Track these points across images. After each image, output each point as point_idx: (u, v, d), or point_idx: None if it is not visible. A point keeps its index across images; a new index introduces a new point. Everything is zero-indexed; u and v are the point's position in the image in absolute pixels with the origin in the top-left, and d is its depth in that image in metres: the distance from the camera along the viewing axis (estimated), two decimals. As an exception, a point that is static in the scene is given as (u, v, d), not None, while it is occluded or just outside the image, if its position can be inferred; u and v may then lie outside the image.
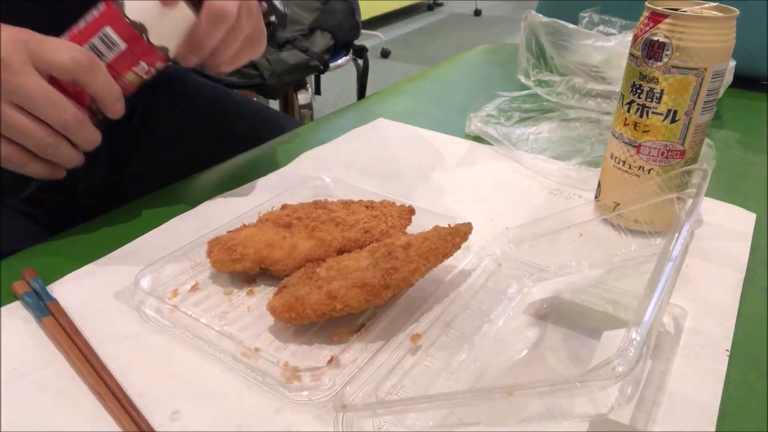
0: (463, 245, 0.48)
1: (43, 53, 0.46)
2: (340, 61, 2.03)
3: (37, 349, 0.43)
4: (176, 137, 0.80)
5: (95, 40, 0.48)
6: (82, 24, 0.49)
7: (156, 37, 0.50)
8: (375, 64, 2.85)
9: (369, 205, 0.55)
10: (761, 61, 0.99)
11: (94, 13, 0.49)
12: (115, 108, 0.50)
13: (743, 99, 0.98)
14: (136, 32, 0.49)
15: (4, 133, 0.46)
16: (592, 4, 0.99)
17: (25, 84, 0.45)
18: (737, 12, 0.50)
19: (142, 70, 0.51)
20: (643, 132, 0.54)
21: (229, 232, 0.51)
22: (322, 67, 1.87)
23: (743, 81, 0.95)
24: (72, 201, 0.72)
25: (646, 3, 0.52)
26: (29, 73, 0.45)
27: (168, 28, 0.51)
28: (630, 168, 0.56)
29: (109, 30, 0.48)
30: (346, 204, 0.55)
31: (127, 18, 0.48)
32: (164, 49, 0.51)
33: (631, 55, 0.54)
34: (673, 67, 0.50)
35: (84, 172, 0.57)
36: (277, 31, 1.71)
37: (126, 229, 0.57)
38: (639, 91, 0.53)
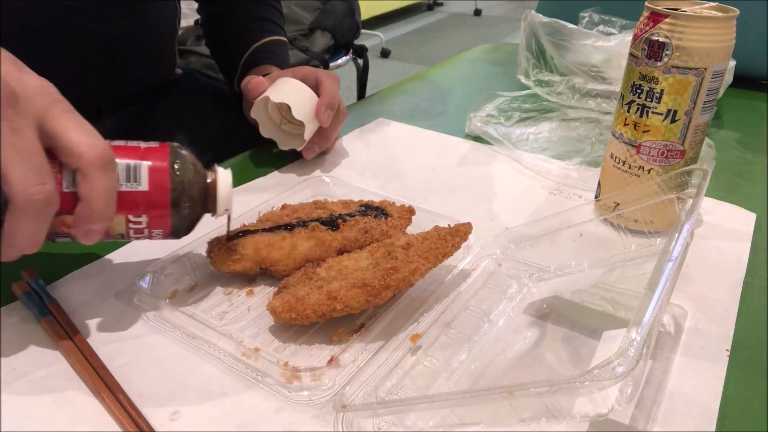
0: (463, 245, 0.48)
1: (63, 121, 0.37)
2: (340, 61, 2.03)
3: (37, 349, 0.43)
4: (178, 136, 0.80)
5: (120, 163, 0.40)
6: (121, 142, 0.42)
7: (185, 211, 0.43)
8: (375, 64, 2.85)
9: (369, 205, 0.55)
10: (761, 61, 0.99)
11: (143, 144, 0.42)
12: (94, 228, 0.39)
13: (743, 99, 0.98)
14: (168, 185, 0.42)
15: None
16: (592, 4, 0.99)
17: (23, 132, 0.35)
18: (737, 12, 0.50)
19: (134, 225, 0.42)
20: (643, 132, 0.54)
21: (229, 232, 0.51)
22: (322, 66, 1.87)
23: (743, 81, 0.95)
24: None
25: (646, 3, 0.52)
26: (30, 125, 0.36)
27: (196, 213, 0.45)
28: (630, 168, 0.56)
29: (144, 165, 0.41)
30: (346, 204, 0.55)
31: (173, 170, 0.42)
32: (176, 226, 0.44)
33: (631, 55, 0.54)
34: (673, 67, 0.50)
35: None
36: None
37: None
38: (639, 91, 0.53)
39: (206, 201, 0.45)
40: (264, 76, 0.71)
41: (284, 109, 0.70)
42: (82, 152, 0.37)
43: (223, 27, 0.86)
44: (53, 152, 0.37)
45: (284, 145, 0.71)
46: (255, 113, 0.69)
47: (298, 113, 0.65)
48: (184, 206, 0.43)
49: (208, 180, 0.45)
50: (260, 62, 0.80)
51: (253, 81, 0.69)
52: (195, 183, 0.43)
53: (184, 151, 0.43)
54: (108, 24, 0.68)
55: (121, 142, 0.42)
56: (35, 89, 0.37)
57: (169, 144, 0.43)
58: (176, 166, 0.42)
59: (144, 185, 0.41)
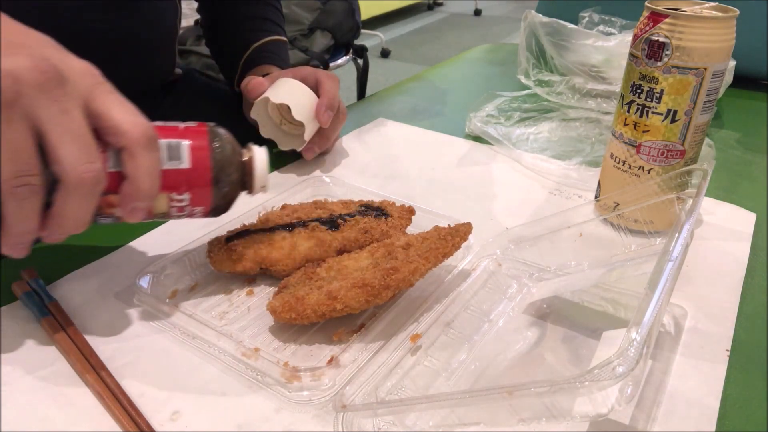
0: (463, 245, 0.48)
1: (107, 101, 0.38)
2: (340, 61, 2.03)
3: (37, 349, 0.43)
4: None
5: (162, 142, 0.41)
6: (160, 123, 0.42)
7: (225, 188, 0.44)
8: (375, 64, 2.85)
9: (369, 205, 0.55)
10: (761, 61, 0.99)
11: (181, 124, 0.43)
12: (140, 205, 0.40)
13: (743, 99, 0.98)
14: (210, 162, 0.42)
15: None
16: (592, 4, 0.99)
17: (72, 113, 0.36)
18: (737, 12, 0.50)
19: (177, 203, 0.43)
20: (643, 132, 0.54)
21: (229, 232, 0.51)
22: (322, 66, 1.87)
23: (743, 81, 0.95)
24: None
25: (646, 3, 0.52)
26: (78, 106, 0.36)
27: (235, 190, 0.45)
28: (630, 168, 0.56)
29: (185, 143, 0.42)
30: (347, 204, 0.55)
31: (213, 148, 0.43)
32: (217, 203, 0.44)
33: (631, 55, 0.54)
34: (673, 67, 0.50)
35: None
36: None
37: (126, 229, 0.57)
38: (639, 91, 0.53)
39: (243, 179, 0.46)
40: (264, 76, 0.71)
41: (284, 109, 0.70)
42: (126, 131, 0.38)
43: (223, 27, 0.86)
44: (98, 133, 0.38)
45: (284, 146, 0.71)
46: (255, 114, 0.69)
47: (298, 114, 0.65)
48: (224, 183, 0.44)
49: (245, 158, 0.46)
50: (260, 62, 0.80)
51: (252, 81, 0.69)
52: (234, 161, 0.44)
53: (221, 130, 0.44)
54: (108, 24, 0.68)
55: (160, 123, 0.42)
56: (80, 71, 0.38)
57: (207, 123, 0.44)
58: (216, 145, 0.43)
59: (186, 163, 0.42)
